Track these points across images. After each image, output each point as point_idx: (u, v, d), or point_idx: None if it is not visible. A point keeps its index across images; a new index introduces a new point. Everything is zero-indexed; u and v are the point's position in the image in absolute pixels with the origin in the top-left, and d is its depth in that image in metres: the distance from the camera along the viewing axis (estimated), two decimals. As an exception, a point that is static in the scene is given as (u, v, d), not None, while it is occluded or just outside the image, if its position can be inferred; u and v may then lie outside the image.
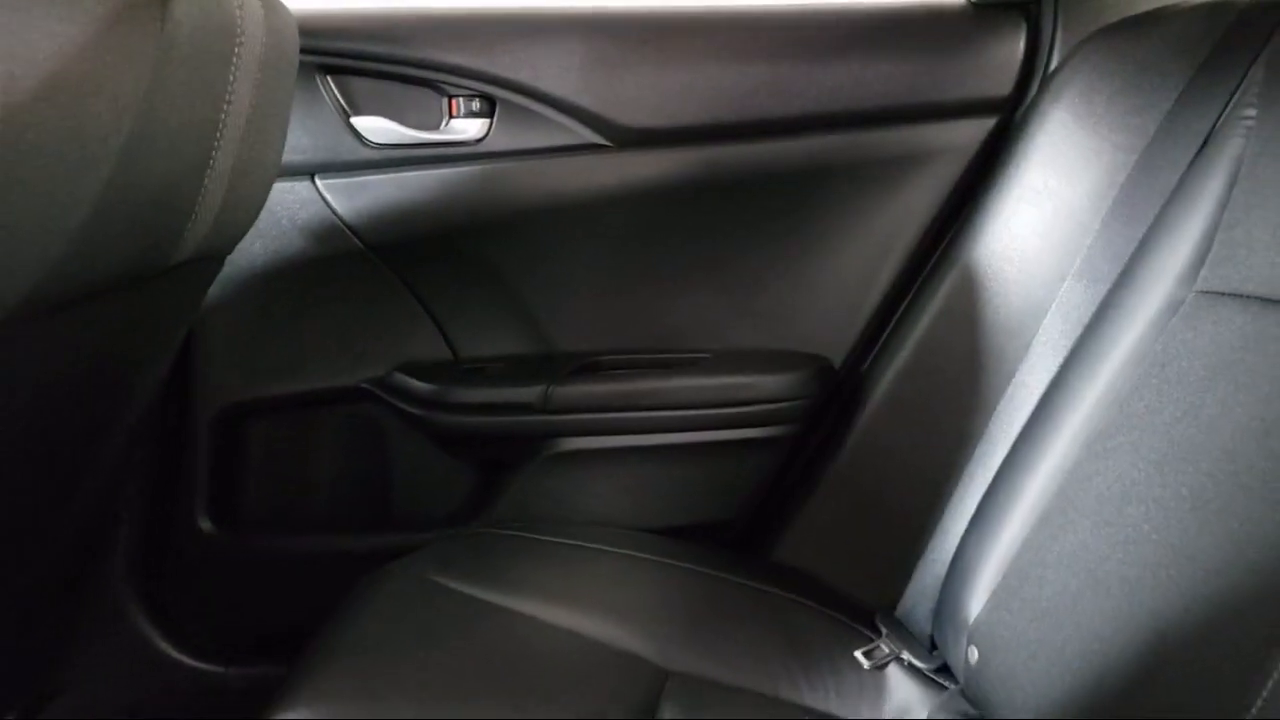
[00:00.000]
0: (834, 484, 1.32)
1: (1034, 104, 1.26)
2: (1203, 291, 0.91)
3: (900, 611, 1.17)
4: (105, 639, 1.33)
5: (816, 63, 1.33)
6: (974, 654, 0.99)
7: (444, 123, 1.31)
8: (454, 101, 1.30)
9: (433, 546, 1.16)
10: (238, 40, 0.82)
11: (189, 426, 1.34)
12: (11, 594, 1.09)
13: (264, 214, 1.20)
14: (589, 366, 1.37)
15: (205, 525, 1.35)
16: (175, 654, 1.34)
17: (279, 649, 1.03)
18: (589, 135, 1.31)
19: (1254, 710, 0.68)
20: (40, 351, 0.76)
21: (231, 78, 0.82)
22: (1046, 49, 1.32)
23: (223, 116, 0.82)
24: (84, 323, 0.80)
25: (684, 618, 1.11)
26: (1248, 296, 0.86)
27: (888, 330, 1.37)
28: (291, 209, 1.29)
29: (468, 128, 1.31)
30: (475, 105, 1.30)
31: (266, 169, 0.98)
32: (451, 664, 0.97)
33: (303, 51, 1.10)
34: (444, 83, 1.29)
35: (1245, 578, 0.73)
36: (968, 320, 1.23)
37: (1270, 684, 0.66)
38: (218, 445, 1.35)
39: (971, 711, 1.00)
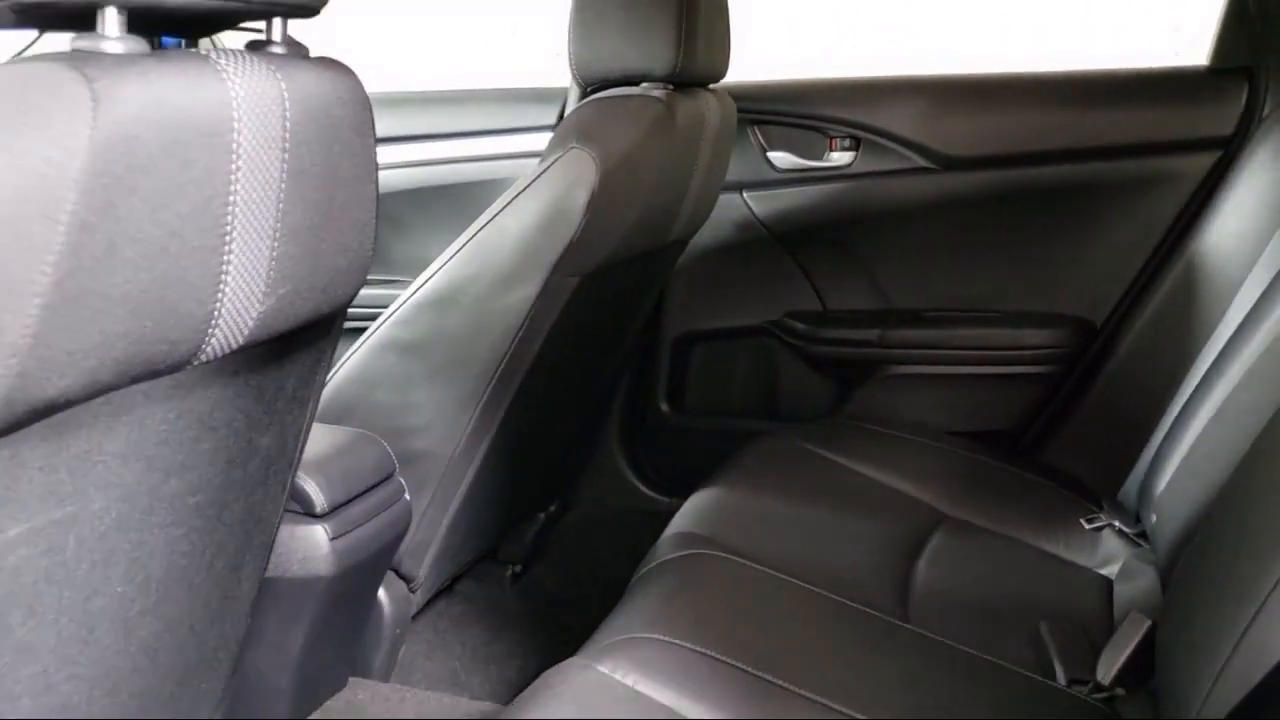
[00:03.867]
0: (1084, 407, 1.72)
1: (1249, 142, 1.59)
2: None
3: (1120, 495, 1.56)
4: (600, 474, 1.98)
5: (1087, 109, 1.73)
6: (1153, 518, 1.38)
7: (825, 155, 1.84)
8: (833, 140, 1.83)
9: (800, 426, 1.70)
10: (705, 124, 1.42)
11: (657, 346, 1.96)
12: (563, 436, 1.75)
13: (710, 215, 1.76)
14: (914, 317, 1.85)
15: (664, 407, 1.97)
16: (641, 487, 1.97)
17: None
18: (922, 161, 1.80)
19: None
20: (603, 293, 1.40)
21: (700, 145, 1.42)
22: (1262, 101, 1.63)
23: (696, 165, 1.43)
24: (622, 277, 1.43)
25: (962, 484, 1.55)
26: None
27: (1135, 300, 1.73)
28: (727, 212, 1.86)
29: (841, 158, 1.84)
30: (846, 142, 1.83)
31: (714, 190, 1.58)
32: (800, 488, 1.48)
33: (738, 111, 1.67)
34: (826, 128, 1.83)
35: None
36: (1187, 294, 1.59)
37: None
38: (673, 358, 1.97)
39: (1151, 558, 1.39)
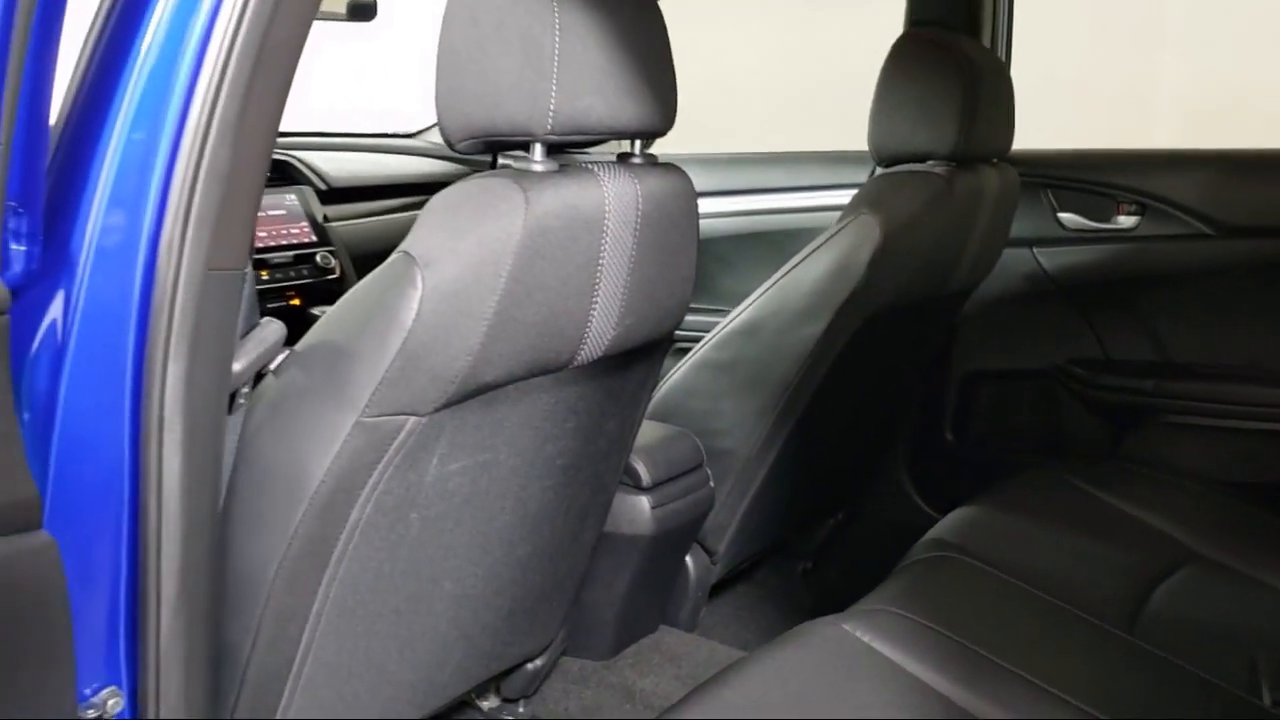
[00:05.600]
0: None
1: None
2: None
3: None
4: (887, 491, 2.21)
5: None
6: None
7: (1113, 218, 1.99)
8: (1120, 205, 1.98)
9: (1070, 462, 1.85)
10: (983, 196, 1.65)
11: (947, 382, 2.17)
12: (846, 450, 2.01)
13: (997, 268, 1.94)
14: (1188, 370, 1.95)
15: (949, 437, 2.18)
16: (924, 505, 2.18)
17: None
18: (1201, 227, 1.91)
19: None
20: (885, 333, 1.66)
21: (978, 213, 1.65)
22: None
23: (973, 230, 1.66)
24: (903, 321, 1.68)
25: (1219, 528, 1.64)
26: None
27: None
28: (1018, 265, 2.05)
29: (1127, 221, 1.98)
30: (1132, 208, 1.97)
31: (994, 249, 1.79)
32: (1056, 515, 1.63)
33: (1032, 175, 1.87)
34: (1114, 194, 1.98)
35: None
36: None
37: None
38: (961, 393, 2.17)
39: None
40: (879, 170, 1.67)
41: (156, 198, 0.82)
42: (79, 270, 0.83)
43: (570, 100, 0.98)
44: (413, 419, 0.99)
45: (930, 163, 1.60)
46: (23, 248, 0.77)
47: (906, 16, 1.93)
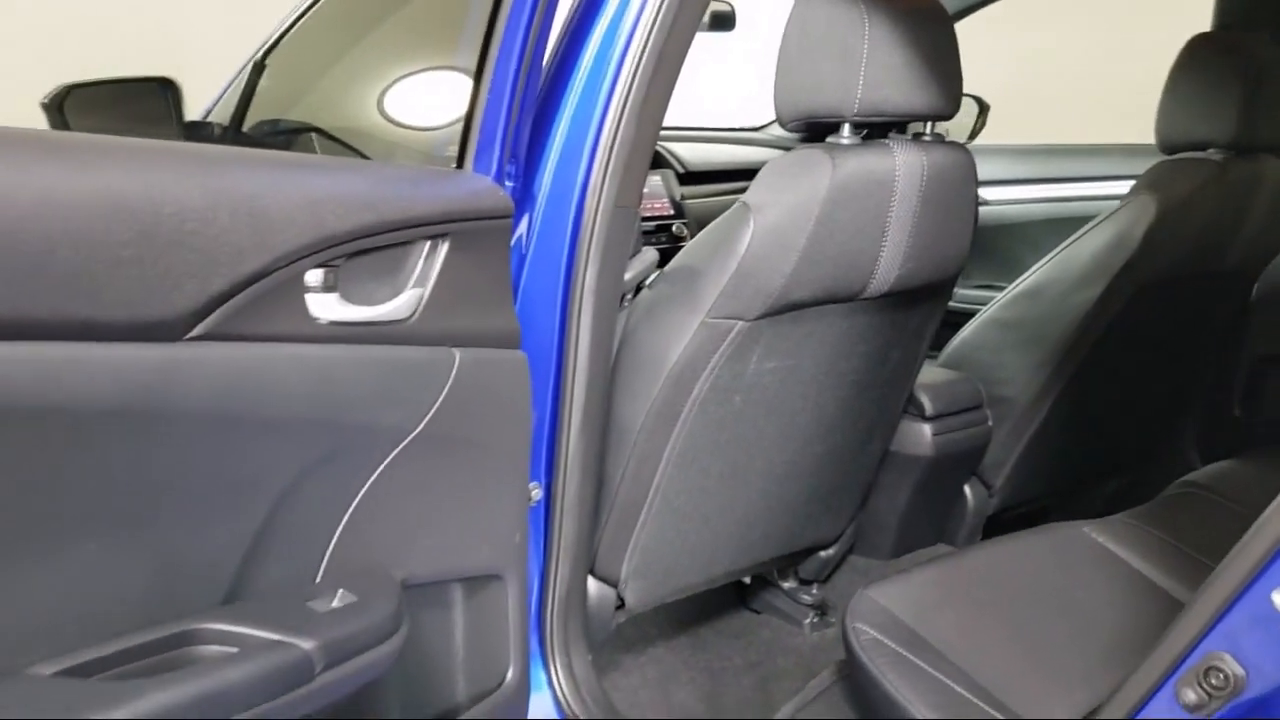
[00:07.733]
0: None
1: None
2: None
3: None
4: (1168, 464, 2.33)
5: None
6: None
7: None
8: None
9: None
10: (1260, 184, 1.82)
11: (1236, 363, 2.26)
12: (1120, 415, 2.19)
13: None
14: None
15: (1237, 411, 2.28)
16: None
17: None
18: None
19: None
20: (1161, 304, 1.87)
21: (1254, 200, 1.82)
22: None
23: (1248, 214, 1.83)
24: (1179, 296, 1.88)
25: None
26: None
27: None
28: None
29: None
30: None
31: (1272, 234, 1.93)
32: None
33: None
34: None
35: None
36: None
37: None
38: (1251, 374, 2.25)
39: None
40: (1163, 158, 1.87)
41: (588, 157, 1.26)
42: (537, 202, 1.29)
43: (873, 91, 1.33)
44: (740, 323, 1.39)
45: (1210, 151, 1.79)
46: (511, 184, 1.24)
47: (1214, 19, 2.09)
